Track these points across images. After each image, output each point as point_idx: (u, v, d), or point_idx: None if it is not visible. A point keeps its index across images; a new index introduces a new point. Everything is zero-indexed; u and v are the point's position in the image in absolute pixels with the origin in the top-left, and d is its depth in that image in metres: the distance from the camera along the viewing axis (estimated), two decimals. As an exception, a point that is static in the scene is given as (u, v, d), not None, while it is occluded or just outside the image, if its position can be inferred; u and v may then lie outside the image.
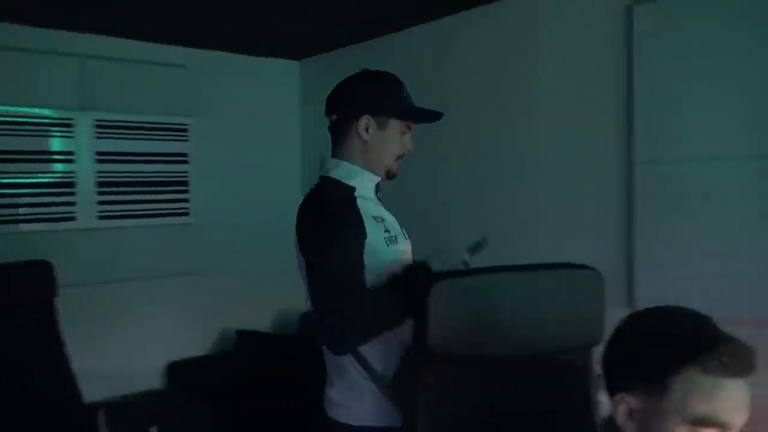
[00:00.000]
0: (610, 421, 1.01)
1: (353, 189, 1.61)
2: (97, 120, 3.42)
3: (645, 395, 0.94)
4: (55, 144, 3.33)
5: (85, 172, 3.39)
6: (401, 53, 3.46)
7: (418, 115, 1.68)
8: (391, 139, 1.64)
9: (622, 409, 0.97)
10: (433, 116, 1.68)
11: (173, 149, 3.69)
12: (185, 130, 3.73)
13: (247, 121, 3.97)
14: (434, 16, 3.18)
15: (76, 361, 2.75)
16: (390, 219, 1.66)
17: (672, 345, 0.93)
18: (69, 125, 3.35)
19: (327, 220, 1.53)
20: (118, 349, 3.45)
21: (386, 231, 1.59)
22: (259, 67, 4.02)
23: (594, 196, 2.57)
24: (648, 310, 1.07)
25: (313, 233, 1.54)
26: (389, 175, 1.68)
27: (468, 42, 3.11)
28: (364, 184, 1.63)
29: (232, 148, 3.90)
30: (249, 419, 3.17)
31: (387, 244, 1.57)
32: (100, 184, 3.44)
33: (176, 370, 3.67)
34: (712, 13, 2.21)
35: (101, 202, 3.44)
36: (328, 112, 1.70)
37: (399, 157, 1.67)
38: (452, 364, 1.23)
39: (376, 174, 1.65)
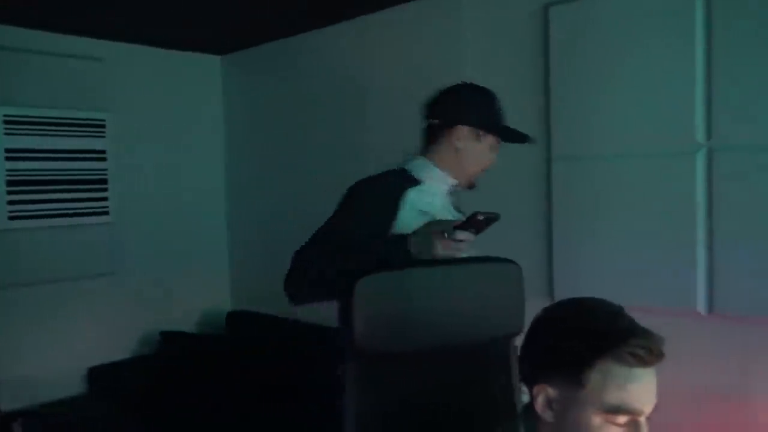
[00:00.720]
0: (529, 409, 1.05)
1: (416, 182, 1.67)
2: (6, 115, 3.24)
3: (563, 386, 0.99)
4: (-40, 141, 3.15)
5: (-7, 171, 3.23)
6: (325, 50, 3.45)
7: (511, 135, 1.77)
8: (481, 152, 1.73)
9: (540, 399, 1.01)
10: (522, 138, 1.78)
11: (90, 146, 3.55)
12: (102, 126, 3.59)
13: (167, 117, 3.86)
14: (358, 13, 3.19)
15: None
16: (437, 216, 1.65)
17: (588, 338, 0.97)
18: (-26, 121, 3.17)
19: (357, 193, 1.65)
20: (35, 355, 3.31)
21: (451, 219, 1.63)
22: (179, 62, 3.92)
23: (514, 192, 2.64)
24: (564, 302, 1.12)
25: (342, 199, 1.67)
26: (470, 186, 1.77)
27: (391, 40, 3.14)
28: (436, 183, 1.70)
29: (153, 145, 3.80)
30: (174, 423, 3.10)
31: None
32: (10, 183, 3.27)
33: (97, 375, 3.54)
34: (627, 13, 2.30)
35: (11, 202, 3.28)
36: (427, 115, 1.77)
37: (482, 171, 1.77)
38: (377, 358, 1.25)
39: (456, 180, 1.73)
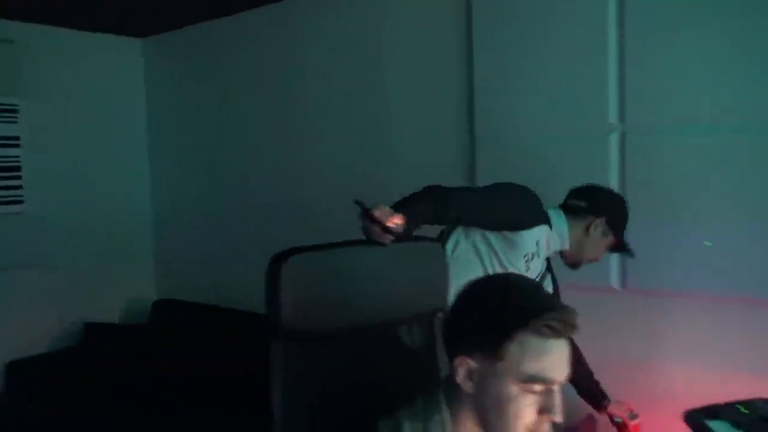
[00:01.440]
0: (449, 381, 1.09)
1: (544, 228, 1.87)
2: None
3: (483, 358, 1.03)
4: None
5: None
6: (251, 33, 3.41)
7: (624, 246, 1.98)
8: (600, 246, 1.94)
9: (461, 371, 1.05)
10: (628, 252, 1.99)
11: (1, 132, 3.39)
12: (14, 111, 3.43)
13: (86, 103, 3.73)
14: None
15: None
16: (536, 266, 1.90)
17: (507, 313, 1.02)
18: None
19: (523, 192, 1.81)
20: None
21: (524, 256, 1.84)
22: (98, 45, 3.77)
23: (440, 171, 2.68)
24: (485, 278, 1.16)
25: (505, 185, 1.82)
26: (573, 266, 1.99)
27: (315, 22, 3.13)
28: (555, 237, 1.91)
29: (71, 132, 3.66)
30: (98, 415, 3.02)
31: (520, 258, 1.83)
32: None
33: (17, 370, 3.41)
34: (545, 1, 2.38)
35: None
36: (579, 197, 1.96)
37: (589, 262, 1.98)
38: (304, 338, 1.27)
39: (563, 248, 1.94)
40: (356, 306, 1.31)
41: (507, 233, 1.81)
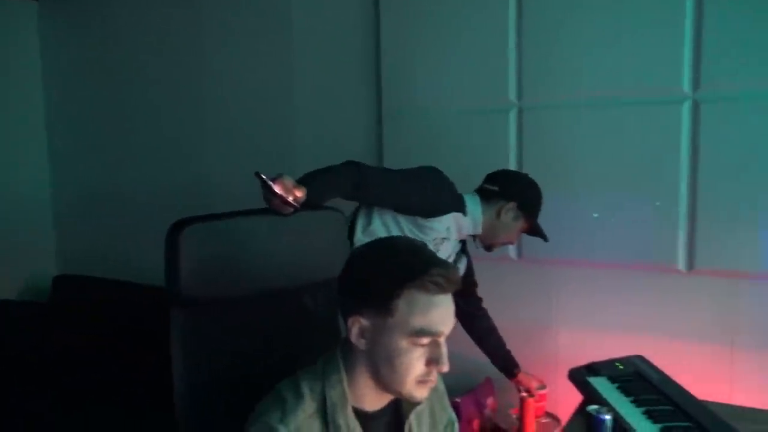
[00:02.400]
0: (345, 341, 1.14)
1: (457, 215, 1.93)
2: None
3: (374, 316, 1.08)
4: None
5: None
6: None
7: (537, 230, 2.03)
8: (512, 230, 2.00)
9: (355, 329, 1.10)
10: (544, 237, 2.03)
11: None
12: None
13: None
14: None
15: None
16: (446, 248, 1.95)
17: (394, 270, 1.08)
18: None
19: (435, 174, 1.88)
20: None
21: (434, 240, 1.89)
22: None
23: (349, 147, 2.73)
24: (374, 241, 1.22)
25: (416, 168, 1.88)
26: (487, 249, 2.07)
27: (221, 12, 3.08)
28: (468, 221, 1.97)
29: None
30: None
31: (432, 241, 1.87)
32: None
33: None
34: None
35: None
36: (492, 182, 2.01)
37: (504, 244, 2.06)
38: (204, 305, 1.28)
39: (476, 232, 2.00)
40: (257, 273, 1.33)
41: (419, 219, 1.86)
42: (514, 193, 1.99)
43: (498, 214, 1.98)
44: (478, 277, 2.43)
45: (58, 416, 2.81)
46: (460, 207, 1.94)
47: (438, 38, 2.48)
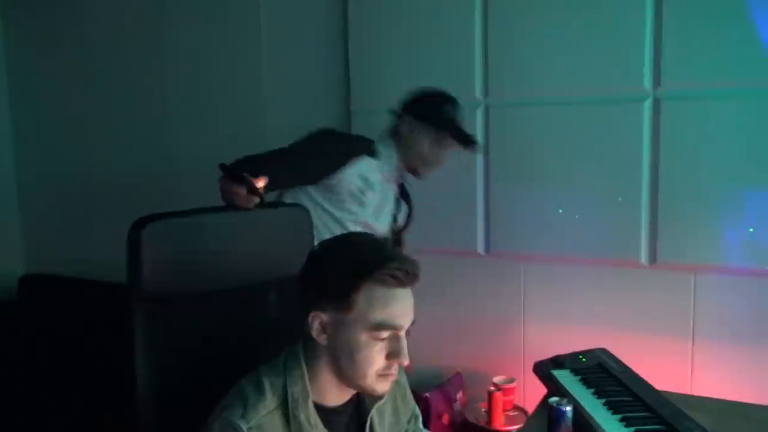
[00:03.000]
0: (306, 336, 1.15)
1: (364, 161, 1.90)
2: None
3: (333, 311, 1.10)
4: None
5: None
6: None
7: (458, 136, 1.94)
8: (421, 144, 1.93)
9: (315, 325, 1.11)
10: (468, 141, 1.96)
11: None
12: None
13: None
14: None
15: None
16: (374, 198, 1.93)
17: (352, 266, 1.09)
18: None
19: (323, 134, 1.93)
20: None
21: (361, 192, 1.89)
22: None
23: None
24: (334, 237, 1.23)
25: (308, 134, 1.91)
26: (416, 175, 2.02)
27: (188, 7, 3.05)
28: (387, 162, 1.96)
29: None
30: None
31: (350, 195, 1.88)
32: None
33: None
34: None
35: None
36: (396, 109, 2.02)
37: (429, 165, 1.98)
38: (166, 302, 1.28)
39: (393, 167, 1.96)
40: (221, 270, 1.34)
41: (325, 180, 1.86)
42: (406, 107, 1.97)
43: (402, 137, 1.96)
44: (445, 272, 2.46)
45: (26, 415, 2.78)
46: (365, 151, 1.92)
47: (405, 35, 2.49)
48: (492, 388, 2.28)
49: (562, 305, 2.34)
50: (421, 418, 1.38)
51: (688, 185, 2.10)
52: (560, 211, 2.28)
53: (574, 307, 2.31)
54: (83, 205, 3.50)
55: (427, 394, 2.32)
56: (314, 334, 1.11)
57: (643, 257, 2.18)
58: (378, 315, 1.08)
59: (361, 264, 1.08)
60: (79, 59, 3.43)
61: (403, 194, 2.12)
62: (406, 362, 1.12)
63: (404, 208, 2.14)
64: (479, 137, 2.39)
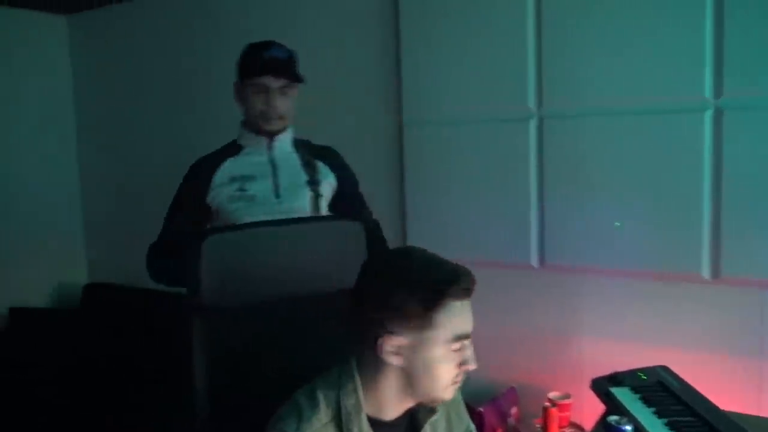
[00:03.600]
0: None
1: (240, 148, 1.87)
2: None
3: (412, 332, 1.09)
4: None
5: None
6: (177, 11, 3.36)
7: (258, 69, 1.79)
8: (246, 98, 1.83)
9: (388, 348, 1.10)
10: (269, 68, 1.79)
11: None
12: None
13: (9, 81, 3.59)
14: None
15: None
16: (258, 186, 1.81)
17: (430, 287, 1.09)
18: None
19: (185, 175, 1.90)
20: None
21: (240, 190, 1.80)
22: (20, 21, 3.64)
23: (369, 156, 2.75)
24: (389, 258, 1.21)
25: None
26: (261, 131, 1.86)
27: (240, 7, 3.11)
28: (254, 146, 1.86)
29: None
30: (25, 408, 2.96)
31: (231, 201, 1.79)
32: None
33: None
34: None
35: None
36: None
37: (263, 114, 1.82)
38: (223, 313, 1.31)
39: (257, 133, 1.85)
40: (274, 281, 1.37)
41: (212, 210, 1.84)
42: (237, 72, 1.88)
43: (239, 102, 1.89)
44: (498, 285, 2.42)
45: (87, 421, 2.86)
46: (228, 153, 1.88)
47: (457, 45, 2.48)
48: (547, 403, 2.23)
49: (621, 320, 2.27)
50: (475, 434, 1.37)
51: (753, 195, 2.01)
52: (617, 224, 2.22)
53: (633, 322, 2.24)
54: (142, 216, 3.61)
55: (481, 408, 2.29)
56: (385, 356, 1.11)
57: (705, 271, 2.10)
58: (455, 329, 1.11)
59: (437, 284, 1.09)
60: (139, 78, 3.57)
61: (313, 181, 1.91)
62: (475, 366, 1.15)
63: (327, 176, 1.96)
64: (532, 147, 2.36)
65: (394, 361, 1.11)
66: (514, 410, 2.43)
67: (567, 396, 2.29)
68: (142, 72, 3.56)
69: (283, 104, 1.84)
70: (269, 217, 1.67)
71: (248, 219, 1.73)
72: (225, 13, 3.18)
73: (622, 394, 1.74)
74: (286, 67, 1.82)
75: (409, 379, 1.12)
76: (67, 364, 3.17)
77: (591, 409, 1.94)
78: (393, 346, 1.10)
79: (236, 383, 1.33)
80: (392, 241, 2.55)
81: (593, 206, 2.25)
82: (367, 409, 1.13)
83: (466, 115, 2.49)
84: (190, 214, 1.82)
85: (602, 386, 1.81)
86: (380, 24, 2.68)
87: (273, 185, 1.84)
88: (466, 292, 1.11)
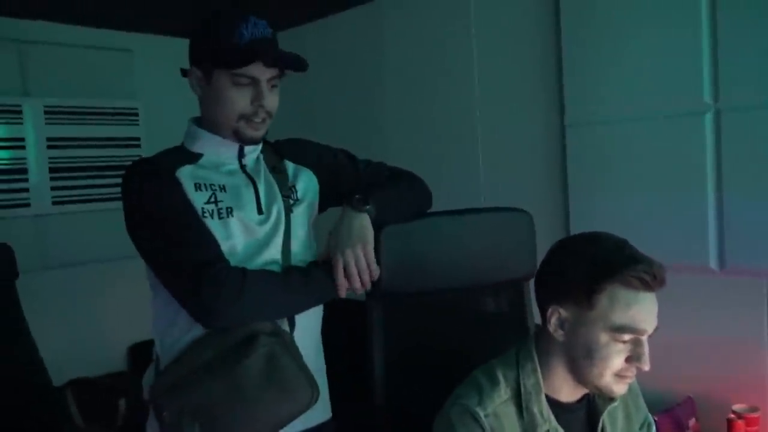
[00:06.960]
0: (541, 331, 1.16)
1: (197, 156, 1.38)
2: (46, 106, 3.42)
3: (574, 307, 1.10)
4: (2, 131, 3.32)
5: (37, 158, 3.40)
6: (337, 36, 3.53)
7: (240, 58, 1.27)
8: (216, 95, 1.33)
9: (554, 320, 1.12)
10: (275, 58, 1.31)
11: (124, 134, 3.71)
12: (135, 114, 3.75)
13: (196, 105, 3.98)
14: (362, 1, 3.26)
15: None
16: (238, 180, 1.38)
17: (597, 264, 1.08)
18: (16, 112, 3.34)
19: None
20: (79, 332, 3.46)
21: (211, 202, 1.33)
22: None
23: (531, 159, 2.74)
24: (576, 235, 1.23)
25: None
26: (242, 140, 1.36)
27: (400, 21, 3.21)
28: (214, 149, 1.38)
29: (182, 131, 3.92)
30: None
31: (204, 215, 1.31)
32: (53, 170, 3.45)
33: (138, 352, 3.68)
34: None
35: (54, 188, 3.46)
36: None
37: (247, 116, 1.33)
38: (400, 299, 1.38)
39: (226, 138, 1.37)
40: (447, 270, 1.42)
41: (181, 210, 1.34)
42: (189, 56, 1.39)
43: (202, 95, 1.38)
44: (673, 288, 2.29)
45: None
46: (178, 160, 1.37)
47: (622, 41, 2.41)
48: (732, 416, 2.08)
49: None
50: (654, 427, 1.32)
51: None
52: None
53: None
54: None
55: (656, 417, 2.17)
56: (551, 328, 1.12)
57: None
58: (621, 317, 1.06)
59: (606, 264, 1.07)
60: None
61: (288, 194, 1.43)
62: (646, 368, 1.09)
63: (300, 176, 1.49)
64: (709, 143, 2.23)
65: (558, 335, 1.11)
66: (692, 422, 2.29)
67: (756, 409, 2.11)
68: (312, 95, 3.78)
69: (272, 102, 1.37)
70: (257, 245, 1.34)
71: (237, 249, 1.32)
72: (389, 31, 3.30)
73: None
74: (281, 52, 1.34)
75: (572, 359, 1.11)
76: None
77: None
78: (557, 318, 1.11)
79: (409, 364, 1.39)
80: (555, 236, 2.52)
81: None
82: (546, 389, 1.14)
83: (633, 113, 2.41)
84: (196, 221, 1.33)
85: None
86: (541, 25, 2.68)
87: (254, 201, 1.38)
88: (640, 282, 1.05)
